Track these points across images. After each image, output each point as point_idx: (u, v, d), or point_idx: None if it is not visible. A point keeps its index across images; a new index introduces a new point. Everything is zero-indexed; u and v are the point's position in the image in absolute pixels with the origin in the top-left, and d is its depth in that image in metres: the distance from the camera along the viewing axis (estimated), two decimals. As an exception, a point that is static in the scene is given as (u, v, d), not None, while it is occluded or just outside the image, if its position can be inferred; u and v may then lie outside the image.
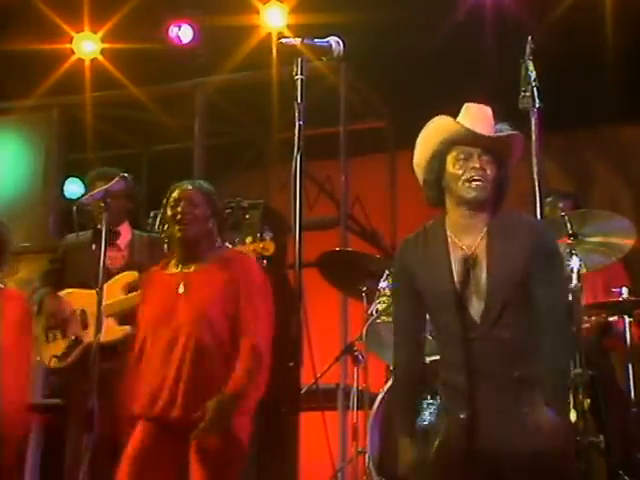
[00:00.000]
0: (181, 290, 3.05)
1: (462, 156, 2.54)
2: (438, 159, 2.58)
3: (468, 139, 2.54)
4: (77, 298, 3.93)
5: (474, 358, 2.49)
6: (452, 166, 2.55)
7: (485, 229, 2.55)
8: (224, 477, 2.94)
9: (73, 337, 3.87)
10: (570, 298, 3.33)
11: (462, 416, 2.49)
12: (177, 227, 3.07)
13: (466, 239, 2.56)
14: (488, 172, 2.53)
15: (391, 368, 4.28)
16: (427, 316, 2.68)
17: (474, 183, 2.51)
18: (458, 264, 2.53)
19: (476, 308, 2.51)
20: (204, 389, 2.94)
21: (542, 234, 2.59)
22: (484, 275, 2.50)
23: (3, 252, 3.32)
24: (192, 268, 3.11)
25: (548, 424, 2.43)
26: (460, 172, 2.53)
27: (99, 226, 3.69)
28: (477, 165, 2.52)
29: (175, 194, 3.13)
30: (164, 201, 3.17)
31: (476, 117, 2.58)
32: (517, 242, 2.51)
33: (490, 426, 2.46)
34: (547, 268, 2.51)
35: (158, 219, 3.20)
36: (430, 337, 3.01)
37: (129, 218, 4.12)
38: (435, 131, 2.59)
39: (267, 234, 3.53)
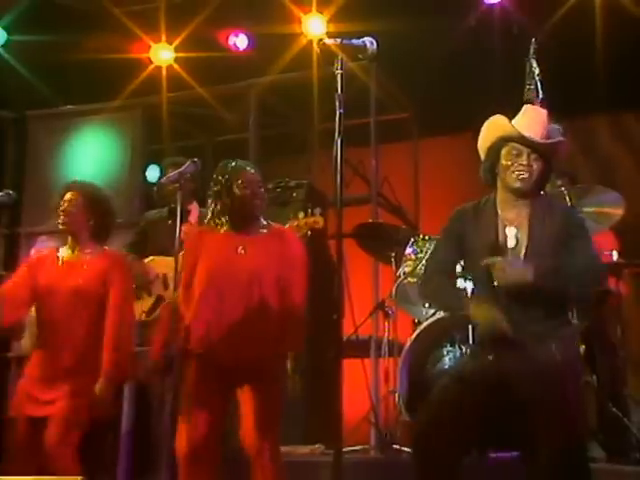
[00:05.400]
0: (241, 251, 3.03)
1: (514, 152, 2.59)
2: (494, 150, 2.63)
3: (520, 140, 2.57)
4: (158, 264, 3.99)
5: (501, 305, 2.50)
6: (505, 159, 2.60)
7: (528, 210, 2.61)
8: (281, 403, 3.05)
9: (157, 295, 3.94)
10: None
11: (490, 357, 2.52)
12: (252, 203, 3.07)
13: (511, 214, 2.62)
14: (534, 168, 2.57)
15: (416, 321, 4.27)
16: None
17: (520, 175, 2.57)
18: (503, 231, 2.59)
19: None
20: (254, 338, 2.96)
21: (571, 215, 2.73)
22: (525, 241, 2.57)
23: (110, 223, 3.37)
24: (248, 234, 3.09)
25: (558, 367, 2.44)
26: (510, 164, 2.58)
27: (172, 205, 3.73)
28: (525, 162, 2.57)
29: (244, 177, 3.11)
30: (225, 177, 3.12)
31: (532, 119, 2.62)
32: (553, 220, 2.59)
33: (512, 366, 2.47)
34: (577, 238, 2.58)
35: (215, 190, 3.12)
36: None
37: (196, 197, 4.14)
38: (495, 128, 2.64)
39: (317, 210, 3.49)
